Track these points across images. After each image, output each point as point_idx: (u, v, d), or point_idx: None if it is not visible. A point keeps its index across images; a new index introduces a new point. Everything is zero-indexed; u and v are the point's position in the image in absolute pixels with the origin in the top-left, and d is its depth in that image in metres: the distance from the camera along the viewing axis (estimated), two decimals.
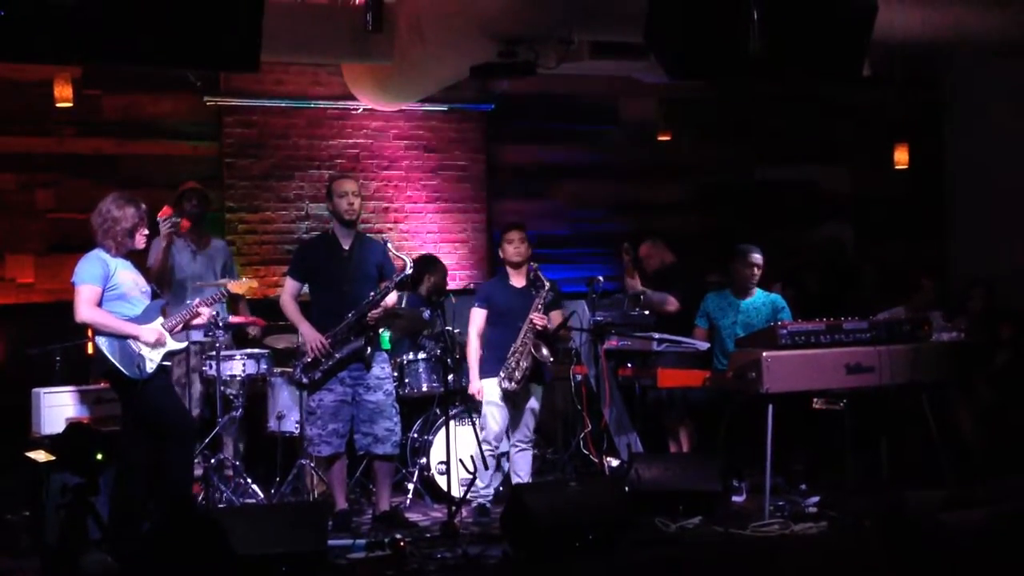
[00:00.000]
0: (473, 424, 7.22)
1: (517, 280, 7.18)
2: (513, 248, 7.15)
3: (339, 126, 9.41)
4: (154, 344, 6.07)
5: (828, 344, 6.78)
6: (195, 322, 6.43)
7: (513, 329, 7.01)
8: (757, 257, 7.53)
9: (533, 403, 7.11)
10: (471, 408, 7.28)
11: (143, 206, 6.20)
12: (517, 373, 6.94)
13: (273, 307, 7.29)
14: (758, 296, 7.59)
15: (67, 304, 6.05)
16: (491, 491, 7.10)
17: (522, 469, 7.11)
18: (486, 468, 7.01)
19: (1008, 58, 8.82)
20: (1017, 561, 5.42)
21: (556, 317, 7.15)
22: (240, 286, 6.94)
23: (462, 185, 9.79)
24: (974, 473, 7.06)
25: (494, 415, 7.02)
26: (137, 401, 6.06)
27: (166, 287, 7.10)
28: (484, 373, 7.07)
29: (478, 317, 7.15)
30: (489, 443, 7.03)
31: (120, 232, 6.06)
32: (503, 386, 6.97)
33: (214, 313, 6.62)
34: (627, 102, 10.25)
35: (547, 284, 7.03)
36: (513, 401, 7.06)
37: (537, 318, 6.95)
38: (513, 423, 7.10)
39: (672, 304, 7.90)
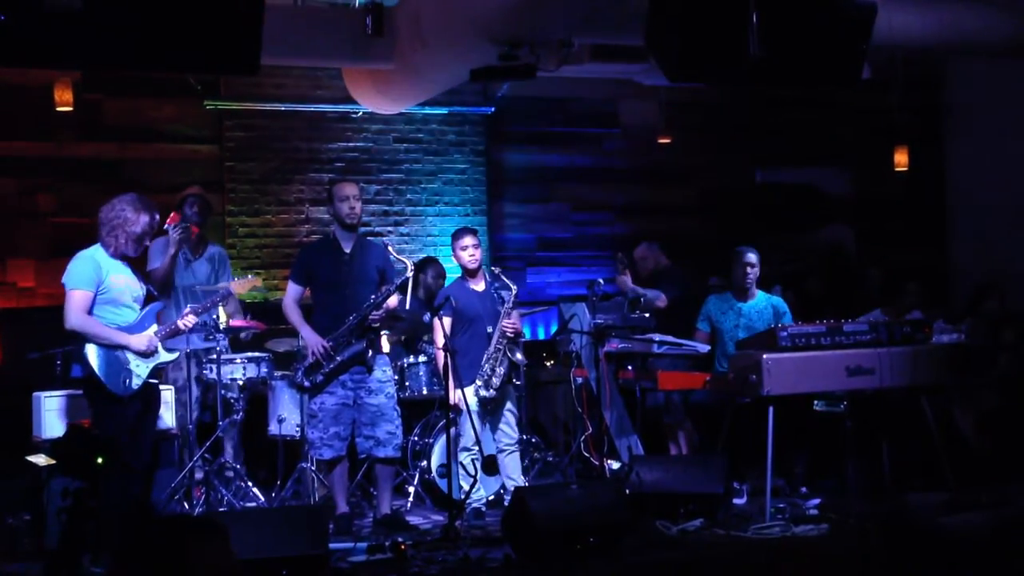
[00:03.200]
0: (474, 429, 7.22)
1: (476, 284, 7.16)
2: (468, 255, 7.09)
3: (339, 129, 9.42)
4: (145, 354, 5.97)
5: (829, 346, 6.78)
6: (181, 331, 6.29)
7: (480, 334, 6.98)
8: (751, 257, 7.54)
9: (509, 405, 7.11)
10: (455, 419, 7.14)
11: (157, 217, 6.12)
12: (495, 379, 6.93)
13: (274, 311, 7.29)
14: (760, 299, 7.60)
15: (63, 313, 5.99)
16: (484, 495, 7.09)
17: (514, 472, 7.11)
18: (472, 474, 6.96)
19: (1008, 60, 8.82)
20: (1018, 565, 5.42)
21: (516, 315, 7.13)
22: (243, 285, 6.88)
23: (462, 188, 9.80)
24: (975, 476, 7.06)
25: (472, 423, 6.89)
26: (107, 417, 5.91)
27: (166, 294, 7.05)
28: (461, 380, 6.83)
29: (446, 325, 6.91)
30: (469, 449, 6.98)
31: (128, 235, 5.92)
32: (481, 394, 6.93)
33: (201, 322, 6.55)
34: (628, 105, 10.27)
35: (514, 289, 7.03)
36: (489, 407, 7.04)
37: (508, 325, 6.95)
38: (493, 428, 7.09)
39: (662, 301, 7.99)
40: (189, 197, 7.57)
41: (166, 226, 6.88)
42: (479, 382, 6.94)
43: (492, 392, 6.93)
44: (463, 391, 6.76)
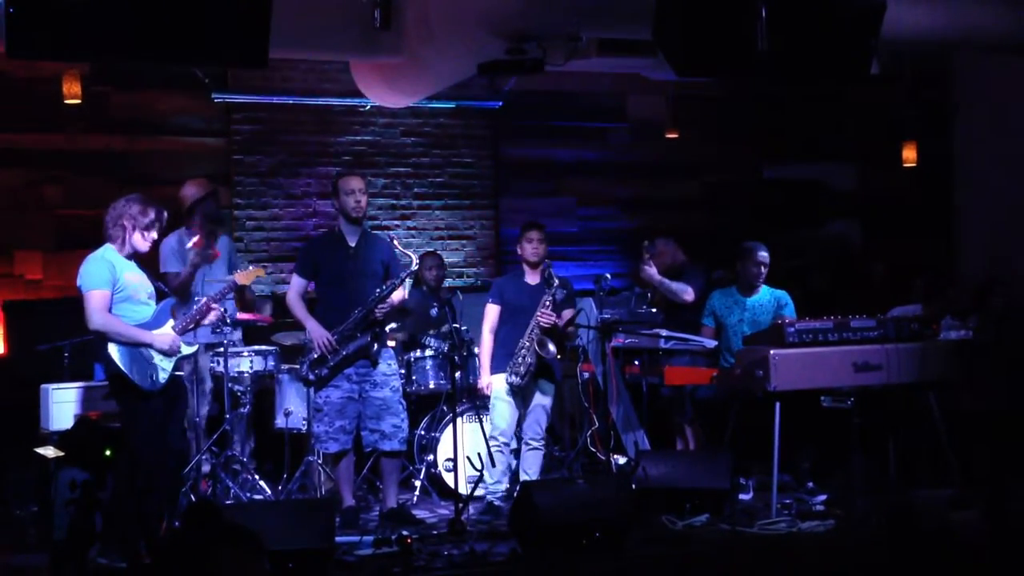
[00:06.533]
0: (480, 421, 7.23)
1: (532, 277, 7.20)
2: (532, 248, 7.18)
3: (347, 123, 9.42)
4: (168, 351, 6.00)
5: (836, 342, 6.78)
6: (205, 320, 6.28)
7: (524, 326, 7.03)
8: (764, 255, 7.54)
9: (543, 400, 7.12)
10: (480, 405, 7.29)
11: (164, 213, 6.10)
12: (522, 368, 6.97)
13: (280, 304, 7.30)
14: (764, 293, 7.60)
15: (75, 300, 5.98)
16: (501, 488, 7.10)
17: (531, 467, 7.13)
18: (493, 464, 7.00)
19: (1016, 56, 8.79)
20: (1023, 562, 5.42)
21: (568, 315, 7.17)
22: (247, 276, 6.88)
23: (470, 182, 9.80)
24: (981, 473, 7.05)
25: (502, 411, 7.04)
26: (136, 413, 5.91)
27: (184, 301, 7.05)
28: (494, 368, 7.10)
29: (491, 313, 7.18)
30: (496, 439, 7.03)
31: (136, 225, 5.85)
32: (509, 380, 7.00)
33: (222, 310, 6.56)
34: (635, 99, 10.25)
35: (557, 281, 7.05)
36: (522, 397, 7.07)
37: (543, 315, 6.96)
38: (523, 420, 7.12)
39: (689, 294, 7.88)
40: (213, 195, 7.45)
41: (188, 247, 6.91)
42: (510, 369, 7.00)
43: (519, 380, 6.97)
44: (481, 379, 7.00)
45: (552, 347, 7.02)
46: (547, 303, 7.00)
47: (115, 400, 6.04)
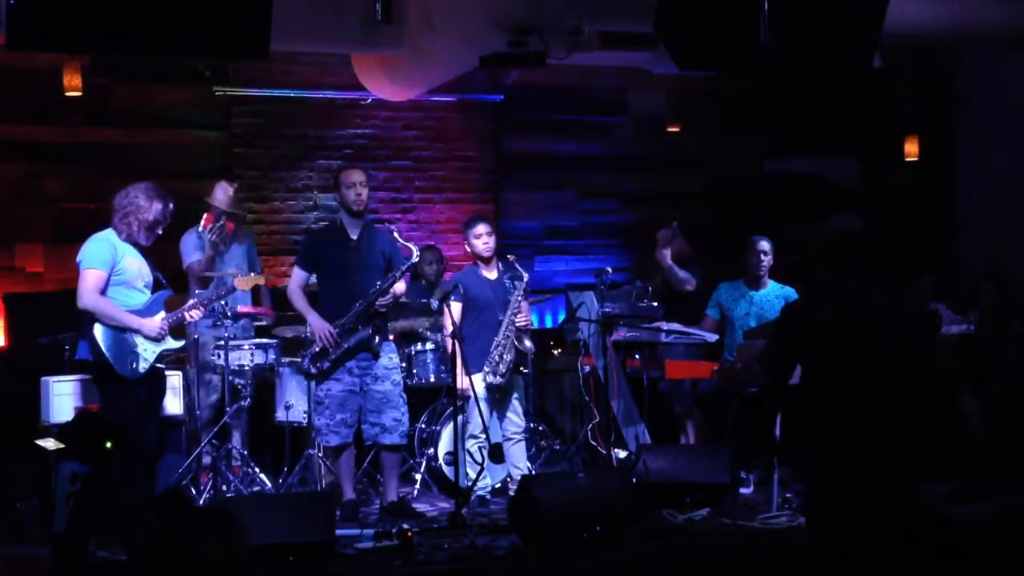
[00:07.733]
0: (481, 416, 7.20)
1: (488, 271, 7.14)
2: (483, 242, 7.09)
3: (348, 116, 9.40)
4: (154, 339, 6.00)
5: None
6: (187, 318, 6.31)
7: (491, 322, 6.97)
8: (764, 244, 7.55)
9: (517, 394, 7.12)
10: (462, 406, 7.14)
11: (171, 206, 6.12)
12: (502, 366, 6.92)
13: (281, 297, 7.30)
14: (772, 288, 7.59)
15: (76, 292, 6.01)
16: (489, 483, 7.09)
17: (520, 460, 7.11)
18: (480, 462, 6.95)
19: (1019, 51, 8.78)
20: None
21: (525, 308, 7.13)
22: (246, 282, 6.90)
23: (471, 176, 9.78)
24: (983, 467, 7.05)
25: (480, 410, 6.88)
26: (115, 400, 5.94)
27: (205, 288, 7.06)
28: (467, 368, 6.81)
29: (455, 312, 6.92)
30: (476, 437, 6.97)
31: (140, 222, 5.95)
32: (488, 380, 6.93)
33: (209, 309, 6.59)
34: (637, 93, 10.23)
35: (526, 276, 7.03)
36: (497, 394, 7.04)
37: (522, 314, 6.94)
38: (500, 416, 7.09)
39: (692, 285, 7.92)
40: (223, 217, 7.31)
41: (201, 229, 6.91)
42: (487, 368, 6.93)
43: (499, 379, 6.93)
44: (471, 378, 6.75)
45: (528, 341, 7.02)
46: (519, 298, 6.97)
47: (96, 386, 6.11)
